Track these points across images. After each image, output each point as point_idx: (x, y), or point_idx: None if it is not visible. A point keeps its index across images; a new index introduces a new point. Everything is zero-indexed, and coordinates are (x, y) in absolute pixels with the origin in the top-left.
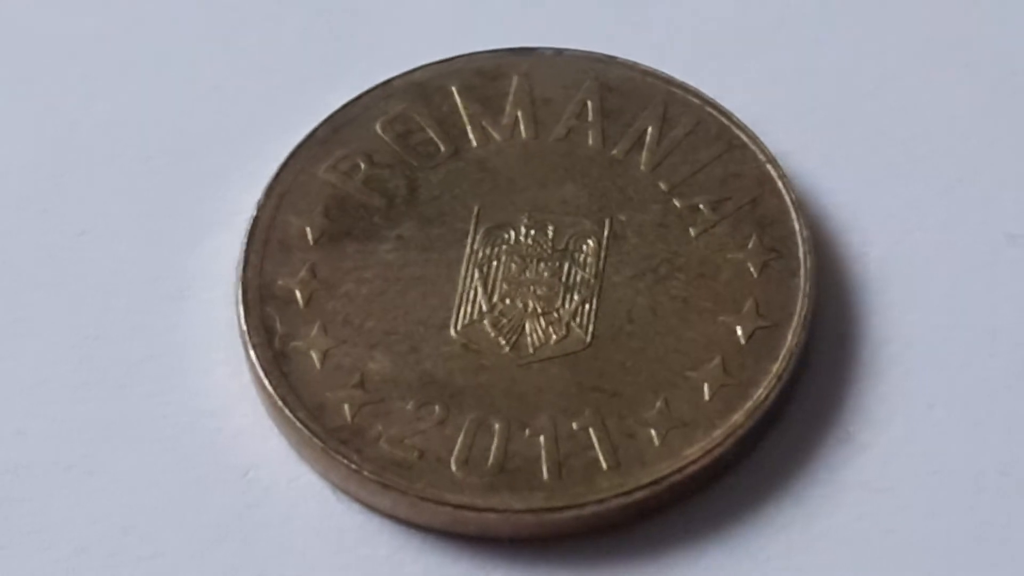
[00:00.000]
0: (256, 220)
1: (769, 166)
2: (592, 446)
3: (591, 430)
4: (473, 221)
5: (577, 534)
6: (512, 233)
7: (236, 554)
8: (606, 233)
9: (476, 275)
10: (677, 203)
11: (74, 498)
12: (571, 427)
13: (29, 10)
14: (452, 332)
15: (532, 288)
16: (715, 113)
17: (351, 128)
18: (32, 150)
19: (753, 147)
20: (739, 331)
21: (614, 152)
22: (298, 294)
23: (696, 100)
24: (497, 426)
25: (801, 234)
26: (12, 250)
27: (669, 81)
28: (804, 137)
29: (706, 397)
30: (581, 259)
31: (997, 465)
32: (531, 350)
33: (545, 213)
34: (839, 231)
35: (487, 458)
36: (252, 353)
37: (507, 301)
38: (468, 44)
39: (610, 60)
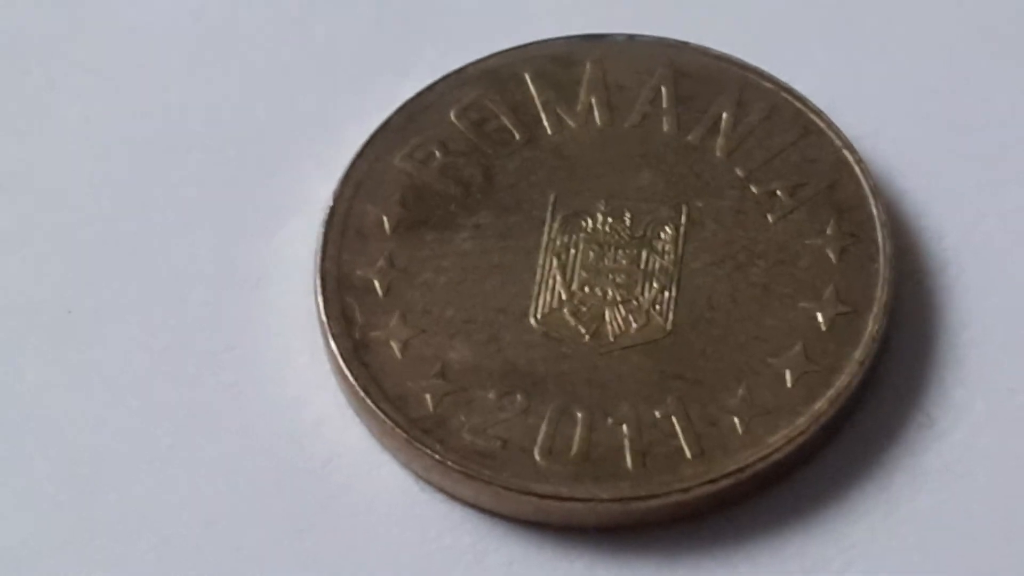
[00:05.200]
0: (333, 209)
1: (845, 151)
2: (675, 434)
3: (674, 418)
4: (550, 209)
5: (661, 522)
6: (589, 220)
7: (318, 544)
8: (683, 220)
9: (554, 263)
10: (754, 189)
11: (156, 489)
12: (654, 415)
13: (106, 3)
14: (532, 321)
15: (611, 276)
16: (790, 98)
17: (426, 116)
18: (111, 142)
19: (829, 132)
20: (820, 317)
21: (689, 138)
22: (377, 283)
23: (771, 85)
24: (580, 415)
25: (879, 219)
26: (92, 242)
27: (743, 66)
28: (879, 121)
29: (788, 384)
30: (659, 246)
31: None
32: (611, 338)
33: (622, 200)
34: (916, 215)
35: (570, 447)
36: (332, 343)
37: (586, 289)
38: (541, 31)
39: (683, 45)
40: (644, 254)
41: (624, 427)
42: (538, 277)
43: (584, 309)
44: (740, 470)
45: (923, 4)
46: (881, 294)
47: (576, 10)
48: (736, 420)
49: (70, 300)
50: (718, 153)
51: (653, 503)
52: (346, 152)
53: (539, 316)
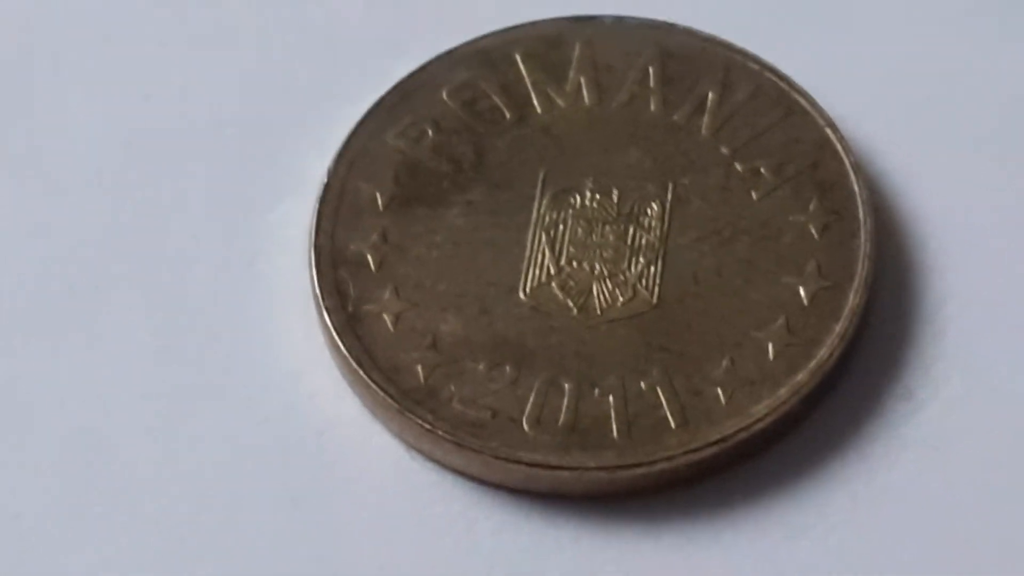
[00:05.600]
0: (327, 186)
1: (828, 130)
2: (660, 405)
3: (659, 389)
4: (539, 186)
5: (647, 491)
6: (578, 197)
7: (313, 511)
8: (670, 197)
9: (543, 239)
10: (739, 167)
11: (158, 459)
12: (640, 386)
13: None
14: (521, 295)
15: (599, 251)
16: (774, 79)
17: (418, 95)
18: (111, 125)
19: (812, 112)
20: (802, 292)
21: (676, 117)
22: (370, 258)
23: (755, 66)
24: (567, 386)
25: (860, 196)
26: (91, 220)
27: (729, 47)
28: (862, 102)
29: (771, 356)
30: (646, 222)
31: None
32: (599, 312)
33: (610, 178)
34: (897, 194)
35: (558, 417)
36: (326, 316)
37: (574, 264)
38: (531, 12)
39: (670, 27)
40: (631, 230)
41: (610, 398)
42: (528, 252)
43: (572, 283)
44: (723, 439)
45: None
46: (862, 270)
47: None
48: (720, 391)
49: (71, 279)
50: (704, 132)
51: (638, 471)
52: (340, 130)
53: (528, 290)
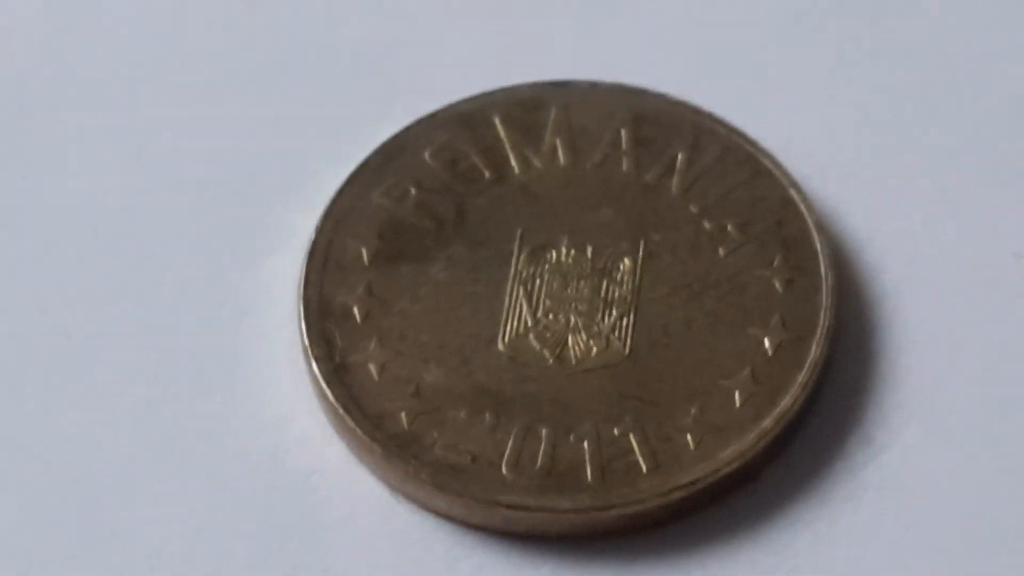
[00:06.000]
0: (315, 242)
1: (792, 190)
2: (632, 450)
3: (631, 435)
4: (517, 242)
5: (620, 532)
6: (554, 253)
7: (300, 552)
8: (641, 253)
9: (521, 292)
10: (707, 225)
11: (150, 502)
12: (613, 433)
13: (97, 44)
14: (500, 345)
15: (574, 304)
16: (741, 141)
17: (402, 156)
18: (108, 185)
19: (777, 172)
20: (767, 343)
21: (647, 177)
22: (356, 311)
23: (723, 129)
24: (544, 432)
25: (823, 253)
26: (90, 272)
27: (698, 111)
28: (824, 163)
29: (737, 404)
30: (618, 277)
31: (1008, 465)
32: (574, 362)
33: (584, 234)
34: (858, 250)
35: (535, 462)
36: (314, 366)
37: (551, 316)
38: (509, 77)
39: (642, 92)
40: (604, 284)
41: (585, 443)
42: (506, 305)
43: (548, 335)
44: (692, 483)
45: (866, 56)
46: (824, 322)
47: (542, 59)
48: (689, 437)
49: (69, 327)
50: (674, 191)
51: (612, 513)
52: (328, 190)
53: (507, 341)
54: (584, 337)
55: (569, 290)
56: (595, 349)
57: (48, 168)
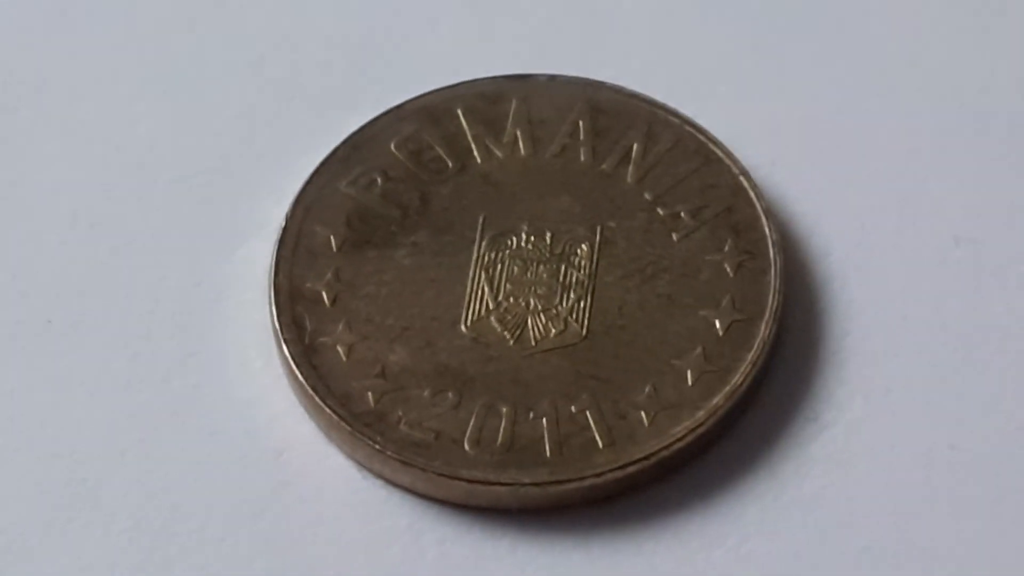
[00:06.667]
0: (285, 230)
1: (742, 178)
2: (589, 427)
3: (588, 413)
4: (479, 229)
5: (577, 505)
6: (514, 239)
7: (272, 526)
8: (598, 238)
9: (483, 277)
10: (660, 211)
11: (128, 479)
12: (570, 410)
13: (76, 40)
14: (463, 327)
15: (533, 288)
16: (693, 131)
17: (368, 147)
18: (85, 170)
19: (728, 161)
20: (718, 324)
21: (603, 167)
22: (325, 295)
23: (676, 120)
24: (504, 410)
25: (771, 238)
26: (69, 259)
27: (652, 103)
28: (773, 152)
29: (689, 383)
30: (576, 262)
31: (946, 441)
32: (533, 343)
33: (544, 221)
34: (805, 235)
35: (496, 438)
36: (285, 348)
37: (511, 299)
38: (471, 71)
39: (599, 84)
40: (563, 268)
41: (544, 420)
42: (468, 289)
43: (509, 317)
44: (646, 458)
45: (812, 49)
46: (772, 304)
47: (503, 53)
48: (643, 414)
49: (50, 311)
50: (629, 180)
51: (569, 487)
52: (297, 179)
53: (469, 323)
54: (543, 319)
55: (529, 274)
56: (553, 331)
57: (28, 159)
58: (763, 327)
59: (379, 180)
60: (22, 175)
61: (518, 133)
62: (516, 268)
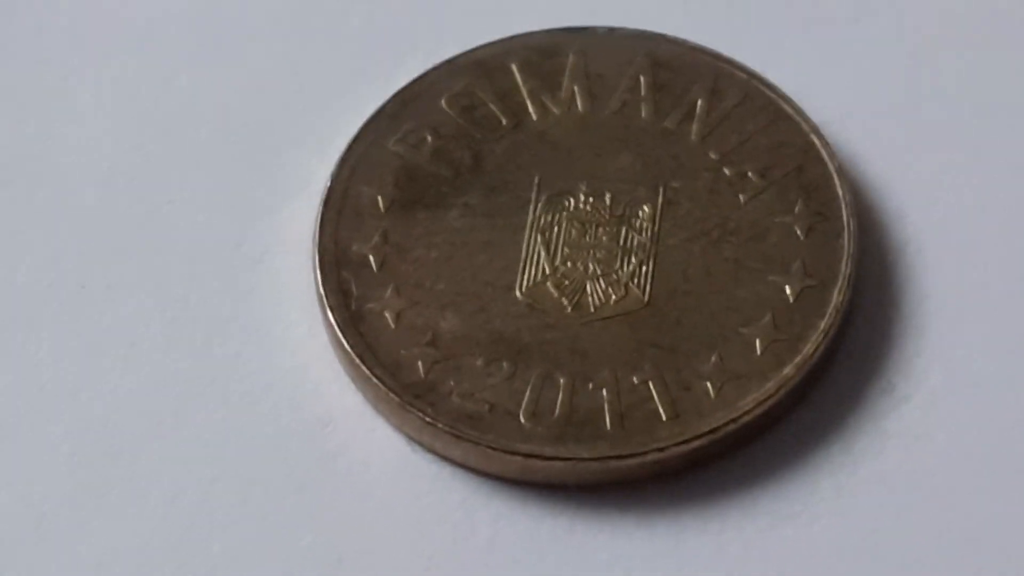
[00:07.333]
0: (330, 190)
1: (813, 135)
2: (652, 398)
3: (650, 383)
4: (535, 189)
5: (638, 481)
6: (572, 200)
7: (316, 502)
8: (660, 199)
9: (539, 240)
10: (727, 171)
11: (167, 449)
12: (632, 381)
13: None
14: (518, 293)
15: (592, 252)
16: (761, 86)
17: (418, 103)
18: (122, 126)
19: (797, 118)
20: (788, 290)
21: (666, 123)
22: (372, 259)
23: (743, 74)
24: (562, 380)
25: (844, 199)
26: (104, 219)
27: (717, 56)
28: (846, 108)
29: (758, 352)
30: (637, 224)
31: None
32: (592, 309)
33: (602, 181)
34: (879, 196)
35: (553, 410)
36: (330, 314)
37: (569, 264)
38: (526, 24)
39: (660, 37)
40: (623, 231)
41: (604, 391)
42: (523, 253)
43: (567, 282)
44: (712, 431)
45: (887, 1)
46: (845, 269)
47: (559, 4)
48: (709, 385)
49: (84, 275)
50: (693, 137)
51: (631, 462)
52: (343, 137)
53: (524, 289)
54: (603, 285)
55: (587, 237)
56: (614, 297)
57: (65, 115)
58: (836, 293)
59: (429, 138)
60: (56, 131)
61: (575, 88)
62: (574, 231)
